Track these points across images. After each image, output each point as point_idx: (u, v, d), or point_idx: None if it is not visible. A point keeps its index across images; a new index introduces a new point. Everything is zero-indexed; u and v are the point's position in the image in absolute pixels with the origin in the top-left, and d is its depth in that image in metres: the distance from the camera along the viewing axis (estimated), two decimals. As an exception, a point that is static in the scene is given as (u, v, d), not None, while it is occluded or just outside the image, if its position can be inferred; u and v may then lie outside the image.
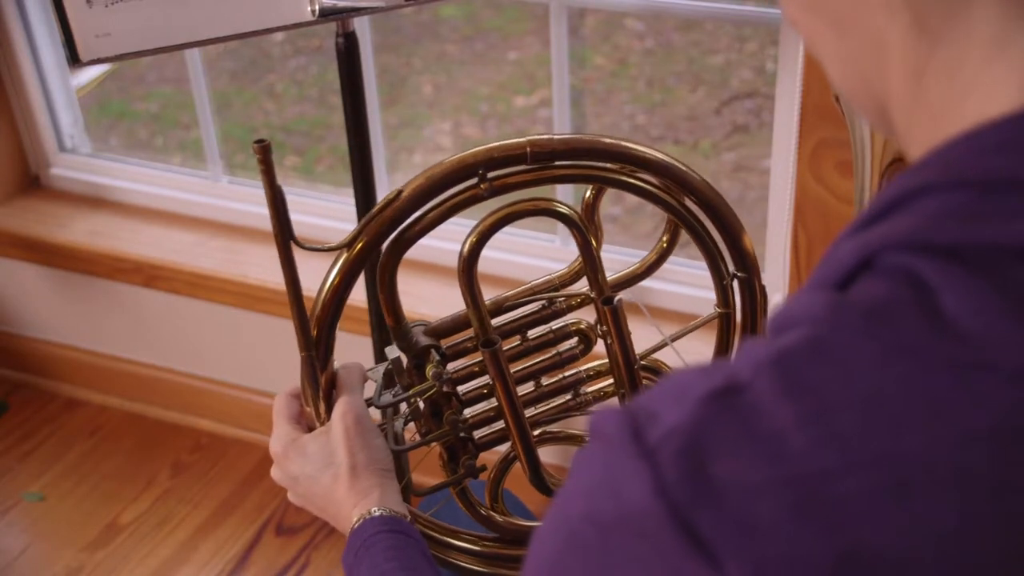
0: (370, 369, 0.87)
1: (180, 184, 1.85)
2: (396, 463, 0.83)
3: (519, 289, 0.89)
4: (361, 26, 1.52)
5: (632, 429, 0.39)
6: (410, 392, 0.85)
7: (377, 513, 0.77)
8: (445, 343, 0.87)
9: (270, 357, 1.82)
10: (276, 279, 1.69)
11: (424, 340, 0.85)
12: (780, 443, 0.36)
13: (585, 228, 0.84)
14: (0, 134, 1.91)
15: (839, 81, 0.47)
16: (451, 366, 0.86)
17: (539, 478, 0.87)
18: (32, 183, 1.96)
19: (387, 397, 0.86)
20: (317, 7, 1.07)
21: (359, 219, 1.33)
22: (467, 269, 0.82)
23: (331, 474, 0.79)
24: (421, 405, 0.85)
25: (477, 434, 0.87)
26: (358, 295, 1.57)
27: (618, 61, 2.95)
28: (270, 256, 1.76)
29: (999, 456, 0.35)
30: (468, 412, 0.87)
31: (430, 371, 0.84)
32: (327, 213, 1.75)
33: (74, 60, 1.02)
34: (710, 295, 1.53)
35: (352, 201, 1.34)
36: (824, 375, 0.37)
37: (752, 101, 2.76)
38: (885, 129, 0.45)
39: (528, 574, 0.42)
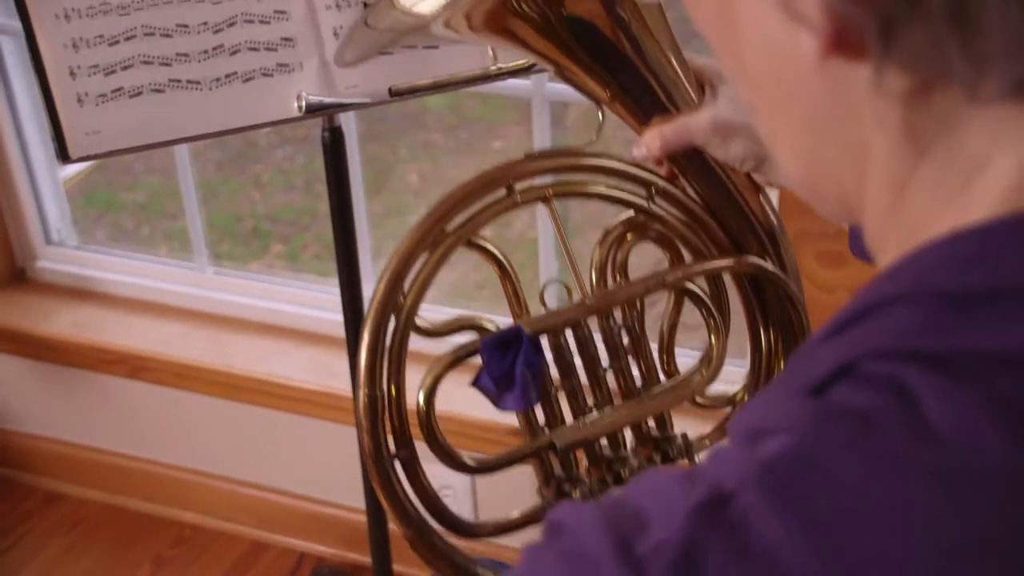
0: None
1: (166, 275, 1.86)
2: None
3: None
4: (347, 117, 1.54)
5: (618, 538, 0.38)
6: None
7: None
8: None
9: (256, 448, 1.80)
10: (261, 369, 1.68)
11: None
12: (772, 558, 0.36)
13: None
14: (-13, 227, 1.92)
15: (797, 173, 0.46)
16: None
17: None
18: (18, 276, 1.96)
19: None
20: (304, 104, 1.09)
21: (343, 308, 1.33)
22: None
23: None
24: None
25: None
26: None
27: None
28: (256, 346, 1.76)
29: (992, 567, 0.35)
30: None
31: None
32: (311, 303, 1.76)
33: (64, 158, 1.03)
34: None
35: (337, 291, 1.34)
36: (812, 488, 0.36)
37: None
38: (841, 218, 0.45)
39: None
